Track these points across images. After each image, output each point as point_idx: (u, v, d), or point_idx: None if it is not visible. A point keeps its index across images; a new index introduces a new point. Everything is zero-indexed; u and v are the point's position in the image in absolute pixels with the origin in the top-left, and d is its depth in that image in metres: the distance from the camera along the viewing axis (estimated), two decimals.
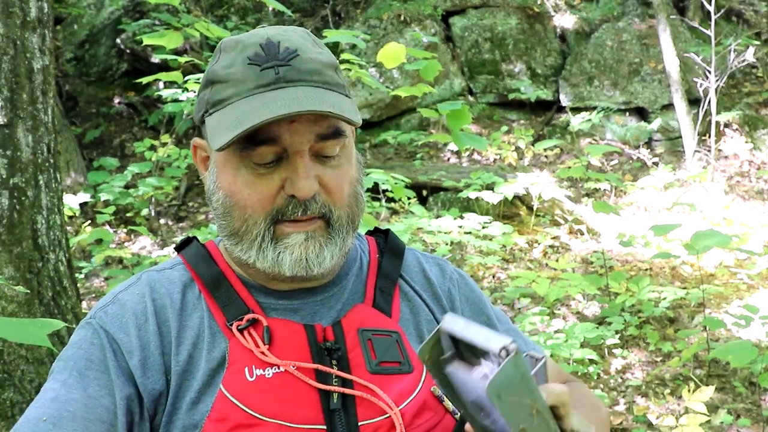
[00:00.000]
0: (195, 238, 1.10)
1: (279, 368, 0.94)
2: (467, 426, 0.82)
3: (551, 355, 3.23)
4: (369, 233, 1.18)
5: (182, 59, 3.19)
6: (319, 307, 1.02)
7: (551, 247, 5.34)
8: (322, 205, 0.96)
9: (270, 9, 8.22)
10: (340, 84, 0.98)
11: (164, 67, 6.63)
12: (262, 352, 0.94)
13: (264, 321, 0.97)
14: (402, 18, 7.85)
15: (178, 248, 1.09)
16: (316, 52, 0.97)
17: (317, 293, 1.03)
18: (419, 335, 1.05)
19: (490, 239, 4.87)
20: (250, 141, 0.92)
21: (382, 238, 1.15)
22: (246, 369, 0.94)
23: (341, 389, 0.94)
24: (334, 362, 0.96)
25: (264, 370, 0.93)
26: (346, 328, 0.99)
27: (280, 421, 0.91)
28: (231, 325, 0.97)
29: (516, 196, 5.63)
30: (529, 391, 0.72)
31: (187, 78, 3.75)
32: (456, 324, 0.75)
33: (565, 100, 7.69)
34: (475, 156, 7.13)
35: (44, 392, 0.92)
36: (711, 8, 6.47)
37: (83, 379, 0.92)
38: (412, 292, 1.09)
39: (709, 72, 6.45)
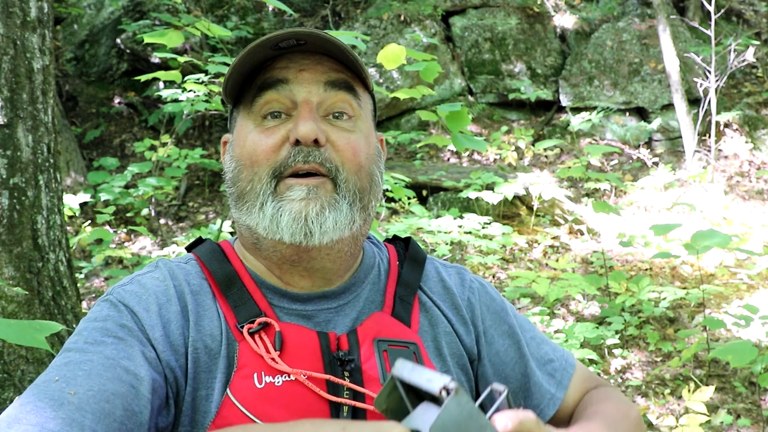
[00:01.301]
0: (208, 238, 1.08)
1: (289, 376, 0.91)
2: None
3: None
4: (388, 241, 1.15)
5: (182, 59, 3.19)
6: (333, 315, 0.99)
7: (551, 247, 5.34)
8: (327, 159, 0.94)
9: (270, 9, 8.21)
10: (359, 61, 0.98)
11: (164, 67, 6.64)
12: (273, 359, 0.91)
13: (276, 325, 0.94)
14: (402, 18, 7.85)
15: (190, 247, 1.07)
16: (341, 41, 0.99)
17: (332, 299, 1.00)
18: (437, 348, 1.03)
19: (490, 239, 4.86)
20: (258, 88, 0.95)
21: (402, 246, 1.12)
22: (255, 375, 0.91)
23: (352, 402, 0.91)
24: (346, 373, 0.93)
25: (273, 378, 0.91)
26: (362, 337, 0.96)
27: None
28: (242, 327, 0.94)
29: (516, 196, 5.63)
30: (479, 428, 0.69)
31: (186, 78, 3.75)
32: (404, 369, 0.73)
33: (565, 100, 7.69)
34: (475, 156, 7.13)
35: (54, 362, 0.87)
36: (711, 8, 6.47)
37: (99, 345, 0.88)
38: (431, 303, 1.06)
39: (709, 72, 6.45)
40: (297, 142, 0.93)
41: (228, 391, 0.90)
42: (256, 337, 0.93)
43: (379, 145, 1.05)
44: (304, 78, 0.95)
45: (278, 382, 0.90)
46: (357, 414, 0.91)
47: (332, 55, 0.97)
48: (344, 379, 0.92)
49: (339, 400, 0.91)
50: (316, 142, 0.94)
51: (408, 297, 1.04)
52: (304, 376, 0.91)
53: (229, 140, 1.04)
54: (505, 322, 1.10)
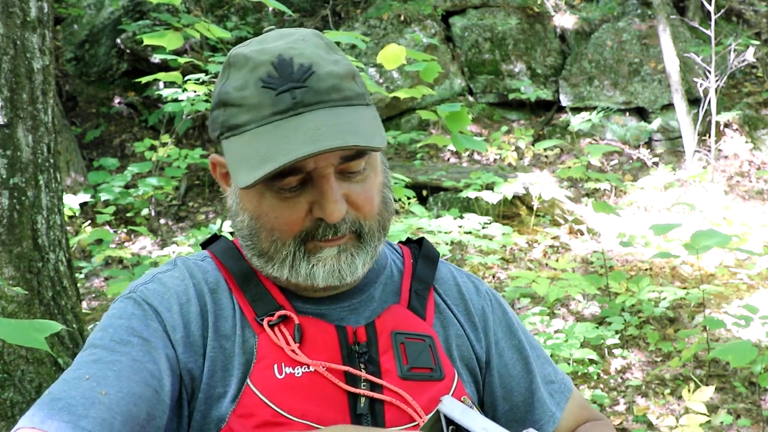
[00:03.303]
0: (223, 235, 1.09)
1: (309, 368, 0.93)
2: None
3: (552, 355, 3.23)
4: (402, 243, 1.17)
5: (182, 60, 3.19)
6: (347, 313, 1.01)
7: (551, 247, 5.34)
8: (352, 222, 0.94)
9: (270, 9, 8.22)
10: (360, 94, 0.94)
11: (164, 66, 6.64)
12: (293, 350, 0.93)
13: (295, 318, 0.96)
14: (402, 18, 7.85)
15: (205, 244, 1.08)
16: (332, 61, 0.93)
17: (344, 300, 1.01)
18: (447, 349, 1.04)
19: (490, 239, 4.87)
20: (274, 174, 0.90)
21: (417, 247, 1.14)
22: (275, 366, 0.92)
23: (370, 393, 0.93)
24: (363, 365, 0.95)
25: (293, 369, 0.92)
26: (380, 329, 0.98)
27: (307, 422, 0.90)
28: (261, 320, 0.96)
29: (516, 196, 5.63)
30: None
31: (186, 78, 3.75)
32: (455, 409, 0.75)
33: (565, 100, 7.69)
34: (475, 156, 7.13)
35: (81, 358, 0.89)
36: (711, 8, 6.47)
37: (126, 345, 0.89)
38: (445, 305, 1.07)
39: (709, 72, 6.45)
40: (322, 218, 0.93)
41: (248, 381, 0.92)
42: (276, 329, 0.95)
43: (384, 158, 1.03)
44: (321, 157, 0.90)
45: (298, 373, 0.92)
46: (375, 405, 0.93)
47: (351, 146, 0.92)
48: (361, 371, 0.94)
49: (357, 391, 0.93)
50: None
51: (423, 291, 1.06)
52: (324, 367, 0.93)
53: (230, 179, 0.97)
54: (516, 336, 1.11)
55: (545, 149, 6.97)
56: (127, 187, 5.77)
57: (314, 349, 0.94)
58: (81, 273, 4.85)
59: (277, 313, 0.96)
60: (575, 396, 1.15)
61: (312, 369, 0.93)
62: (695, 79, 6.80)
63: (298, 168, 0.89)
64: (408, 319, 1.01)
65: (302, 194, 0.92)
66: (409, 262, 1.10)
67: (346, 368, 0.93)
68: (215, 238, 1.08)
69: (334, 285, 0.96)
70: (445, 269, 1.12)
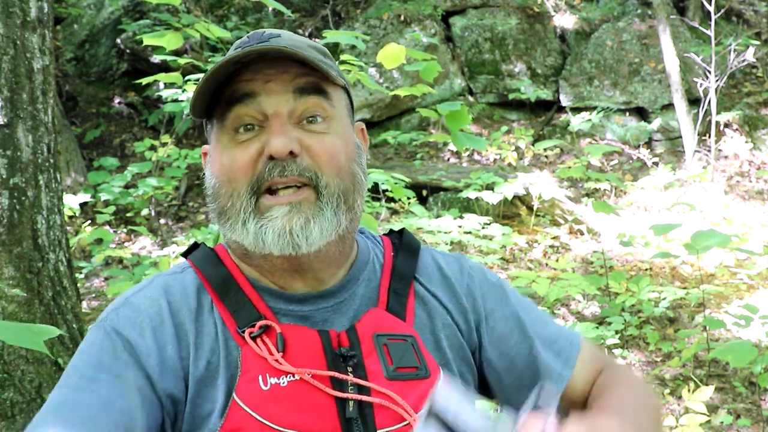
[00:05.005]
0: (203, 243, 1.08)
1: (294, 376, 0.92)
2: None
3: None
4: (385, 234, 1.15)
5: (182, 60, 3.18)
6: (331, 314, 1.00)
7: (551, 247, 5.33)
8: (306, 168, 0.93)
9: (270, 9, 8.22)
10: (324, 61, 0.97)
11: (164, 66, 6.64)
12: (277, 360, 0.92)
13: (277, 327, 0.94)
14: (402, 18, 7.85)
15: (185, 254, 1.07)
16: (305, 41, 0.98)
17: (328, 299, 1.00)
18: (436, 341, 1.03)
19: (490, 239, 4.86)
20: (226, 103, 0.94)
21: (398, 237, 1.12)
22: (260, 377, 0.91)
23: (358, 396, 0.92)
24: (349, 369, 0.94)
25: (278, 379, 0.91)
26: (362, 333, 0.97)
27: (296, 431, 0.89)
28: (243, 332, 0.94)
29: (516, 196, 5.62)
30: None
31: (186, 78, 3.75)
32: (449, 401, 0.73)
33: (565, 100, 7.69)
34: (475, 156, 7.13)
35: (52, 398, 0.89)
36: (711, 8, 6.47)
37: (93, 383, 0.88)
38: (429, 295, 1.06)
39: (709, 72, 6.45)
40: (272, 157, 0.93)
41: (234, 395, 0.91)
42: (258, 340, 0.94)
43: (359, 140, 1.03)
44: (272, 89, 0.93)
45: (283, 383, 0.91)
46: (364, 407, 0.92)
47: (299, 59, 0.96)
48: (348, 375, 0.93)
49: (344, 395, 0.92)
50: (291, 153, 0.93)
51: (403, 289, 1.04)
52: (309, 374, 0.92)
53: (208, 152, 1.03)
54: (507, 305, 1.10)
55: (545, 149, 6.97)
56: (127, 187, 5.77)
57: (298, 356, 0.93)
58: (81, 273, 4.85)
59: (258, 324, 0.94)
60: (585, 349, 1.12)
61: (297, 377, 0.91)
62: (695, 79, 6.80)
63: (247, 93, 0.94)
64: (387, 321, 1.00)
65: (256, 138, 0.95)
66: (389, 256, 1.08)
67: (332, 373, 0.92)
68: (195, 247, 1.07)
69: (289, 253, 0.93)
70: (426, 256, 1.11)
